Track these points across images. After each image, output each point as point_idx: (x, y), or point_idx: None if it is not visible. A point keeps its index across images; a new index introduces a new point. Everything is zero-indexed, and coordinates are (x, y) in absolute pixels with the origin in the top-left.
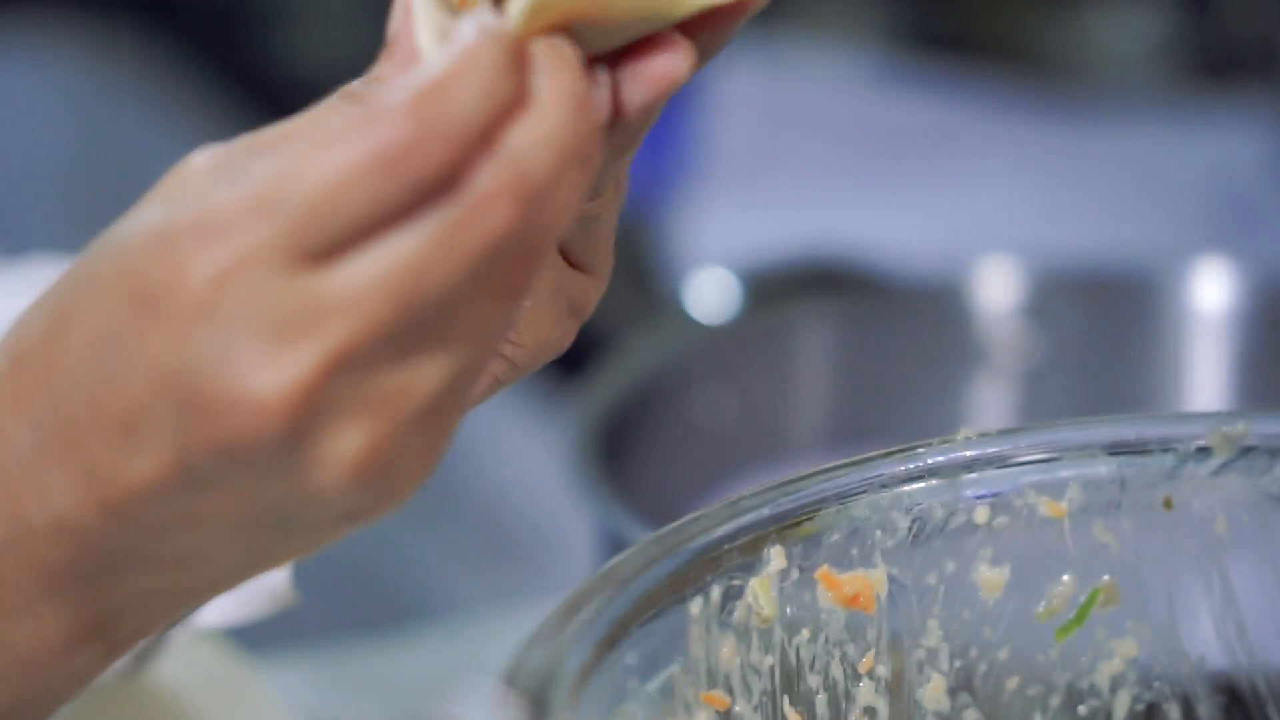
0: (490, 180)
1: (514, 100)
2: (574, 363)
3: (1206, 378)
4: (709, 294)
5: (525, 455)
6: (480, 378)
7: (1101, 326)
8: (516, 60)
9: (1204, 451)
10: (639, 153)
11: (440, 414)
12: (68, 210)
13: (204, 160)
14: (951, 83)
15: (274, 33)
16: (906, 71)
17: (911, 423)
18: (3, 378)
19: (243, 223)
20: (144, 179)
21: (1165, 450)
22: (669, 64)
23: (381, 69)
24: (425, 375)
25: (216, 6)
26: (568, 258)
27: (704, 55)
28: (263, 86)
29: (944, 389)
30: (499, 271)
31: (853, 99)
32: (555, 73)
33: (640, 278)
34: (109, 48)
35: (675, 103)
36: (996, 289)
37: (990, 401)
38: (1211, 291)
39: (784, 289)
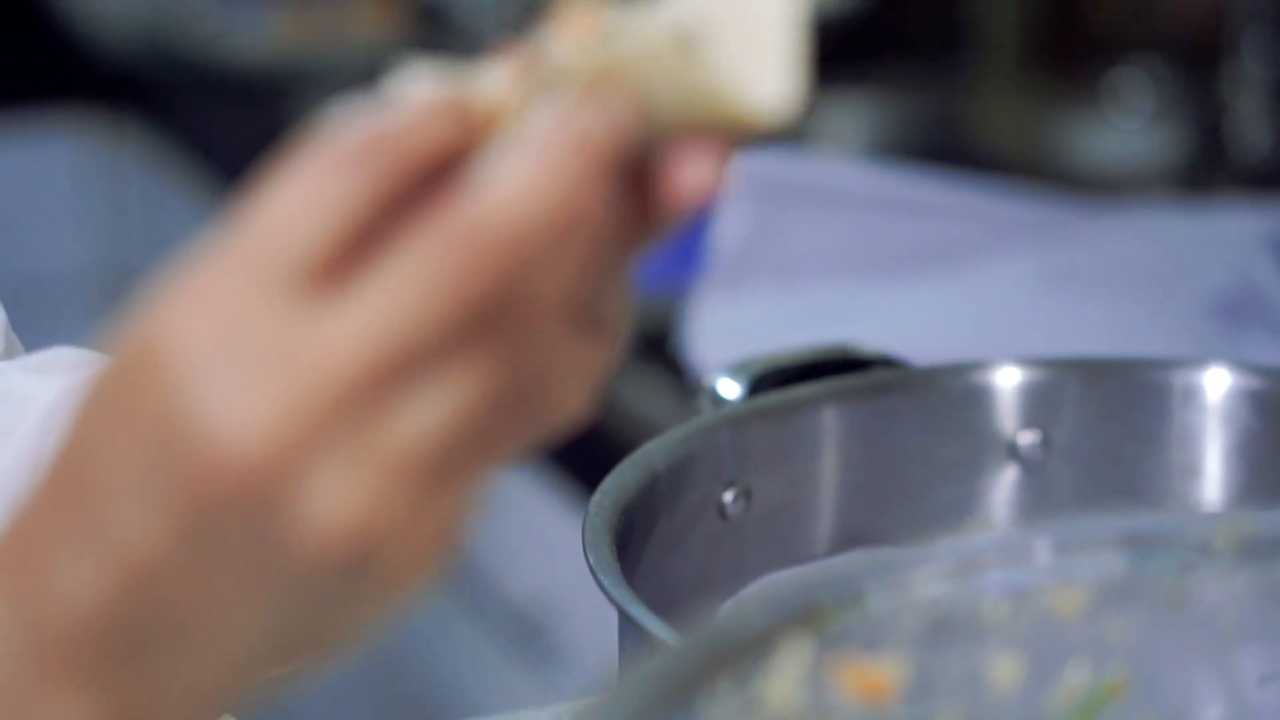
0: (465, 223)
1: (470, 137)
2: (593, 457)
3: (1214, 474)
4: (723, 388)
5: (544, 551)
6: (479, 442)
7: (1112, 422)
8: (463, 112)
9: (1213, 547)
10: (669, 252)
11: (436, 476)
12: (85, 304)
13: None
14: (959, 188)
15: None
16: (915, 180)
17: (923, 516)
18: (39, 482)
19: (220, 264)
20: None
21: (1175, 545)
22: (708, 176)
23: None
24: (411, 427)
25: (220, 103)
26: (585, 318)
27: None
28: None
29: (956, 483)
30: (484, 322)
31: (863, 193)
32: (544, 123)
33: (658, 374)
34: (118, 142)
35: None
36: (1007, 383)
37: (1002, 497)
38: (1219, 387)
39: (797, 382)
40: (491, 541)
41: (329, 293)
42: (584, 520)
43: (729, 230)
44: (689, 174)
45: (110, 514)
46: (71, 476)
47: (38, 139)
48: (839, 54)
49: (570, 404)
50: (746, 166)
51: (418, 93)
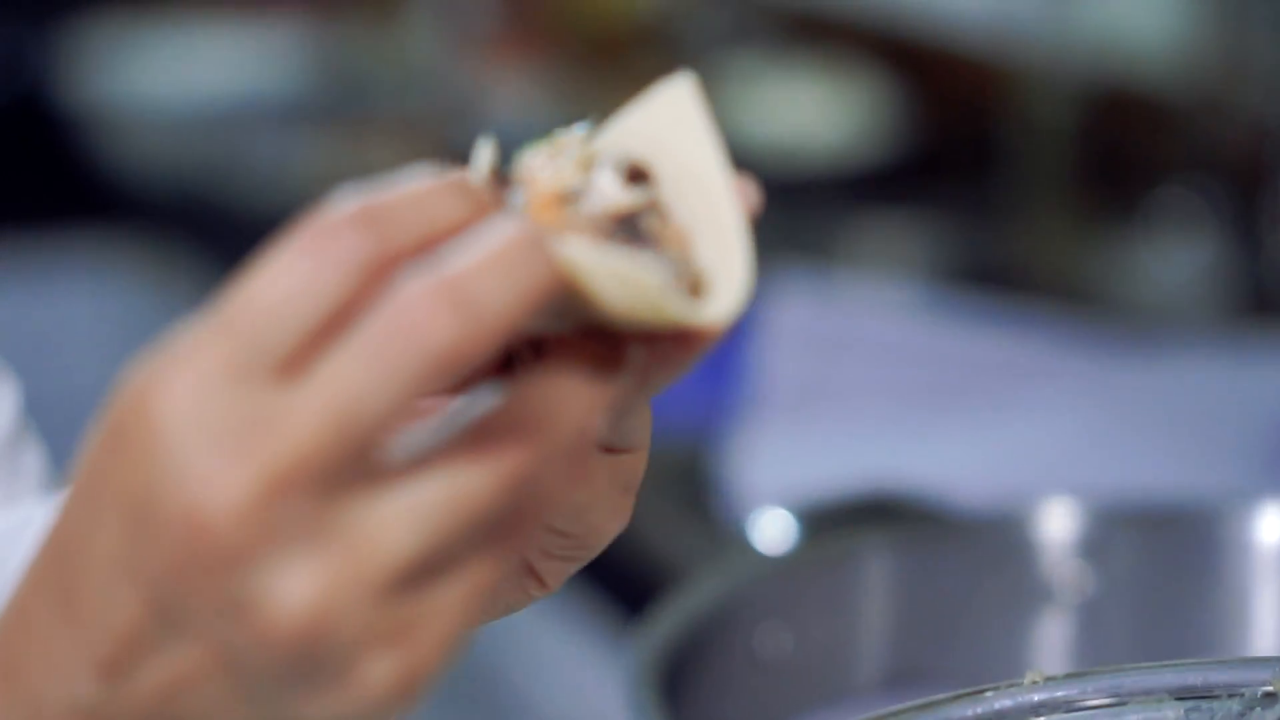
0: (417, 288)
1: (457, 220)
2: (637, 597)
3: (1269, 618)
4: (769, 528)
5: (588, 691)
6: (462, 554)
7: (1162, 564)
8: (469, 193)
9: (1270, 697)
10: (698, 388)
11: (408, 580)
12: None
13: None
14: (1004, 315)
15: None
16: (960, 304)
17: (972, 660)
18: (33, 567)
19: (199, 342)
20: None
21: (1231, 695)
22: (688, 358)
23: None
24: (381, 520)
25: (246, 233)
26: (610, 446)
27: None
28: None
29: (1004, 626)
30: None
31: (907, 331)
32: (507, 211)
33: (701, 511)
34: (165, 268)
35: (737, 336)
36: (1055, 525)
37: (1051, 640)
38: (1273, 529)
39: (843, 524)
40: (518, 672)
41: (302, 372)
42: (625, 663)
43: (780, 369)
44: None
45: (92, 594)
46: (58, 555)
47: (67, 265)
48: (887, 179)
49: (613, 515)
50: (797, 312)
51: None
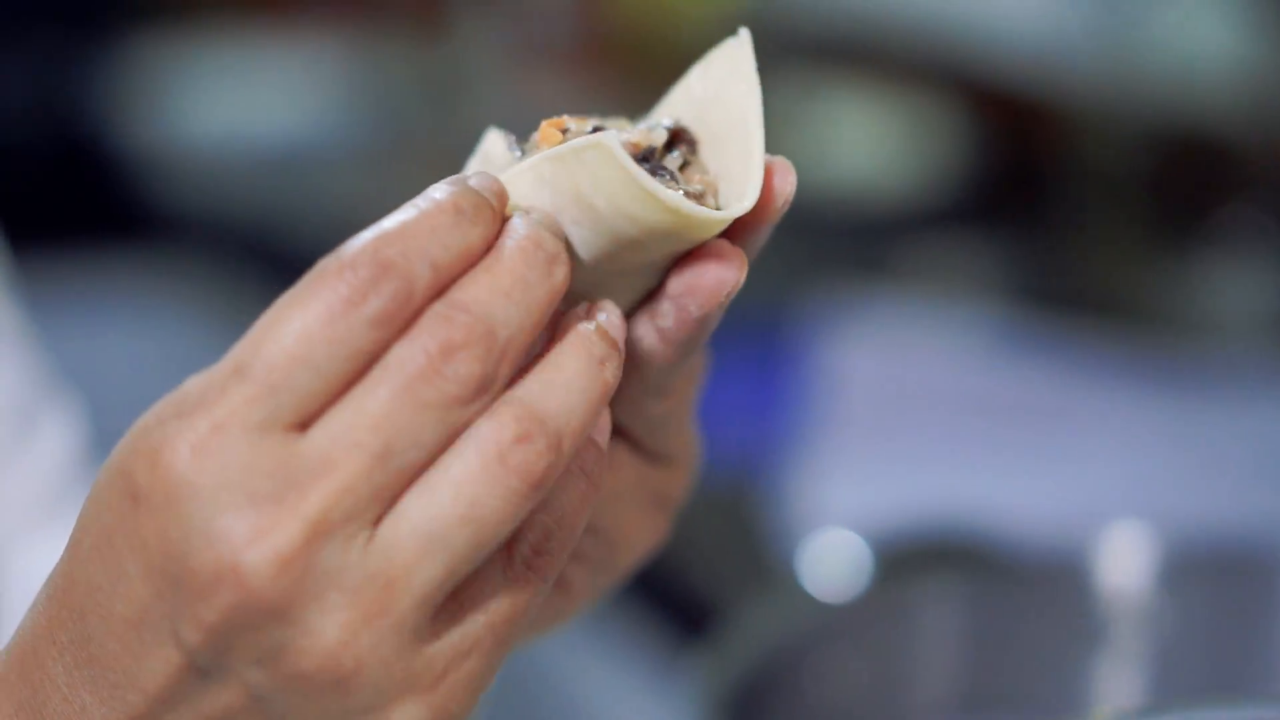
0: (445, 333)
1: (470, 250)
2: (687, 628)
3: None
4: (832, 559)
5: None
6: (491, 589)
7: (1230, 600)
8: (478, 214)
9: None
10: (746, 418)
11: (434, 616)
12: None
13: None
14: (1072, 346)
15: None
16: (1027, 334)
17: (1038, 701)
18: (39, 612)
19: (216, 394)
20: None
21: None
22: (720, 274)
23: None
24: (405, 548)
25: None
26: (646, 451)
27: (751, 256)
28: None
29: (1071, 665)
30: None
31: (974, 361)
32: (520, 228)
33: (751, 542)
34: (220, 303)
35: (784, 365)
36: (1122, 562)
37: (1117, 676)
38: None
39: (910, 563)
40: (568, 701)
41: (322, 421)
42: (689, 695)
43: (849, 394)
44: (709, 274)
45: (121, 651)
46: (73, 612)
47: (120, 299)
48: (954, 204)
49: (650, 531)
50: (865, 339)
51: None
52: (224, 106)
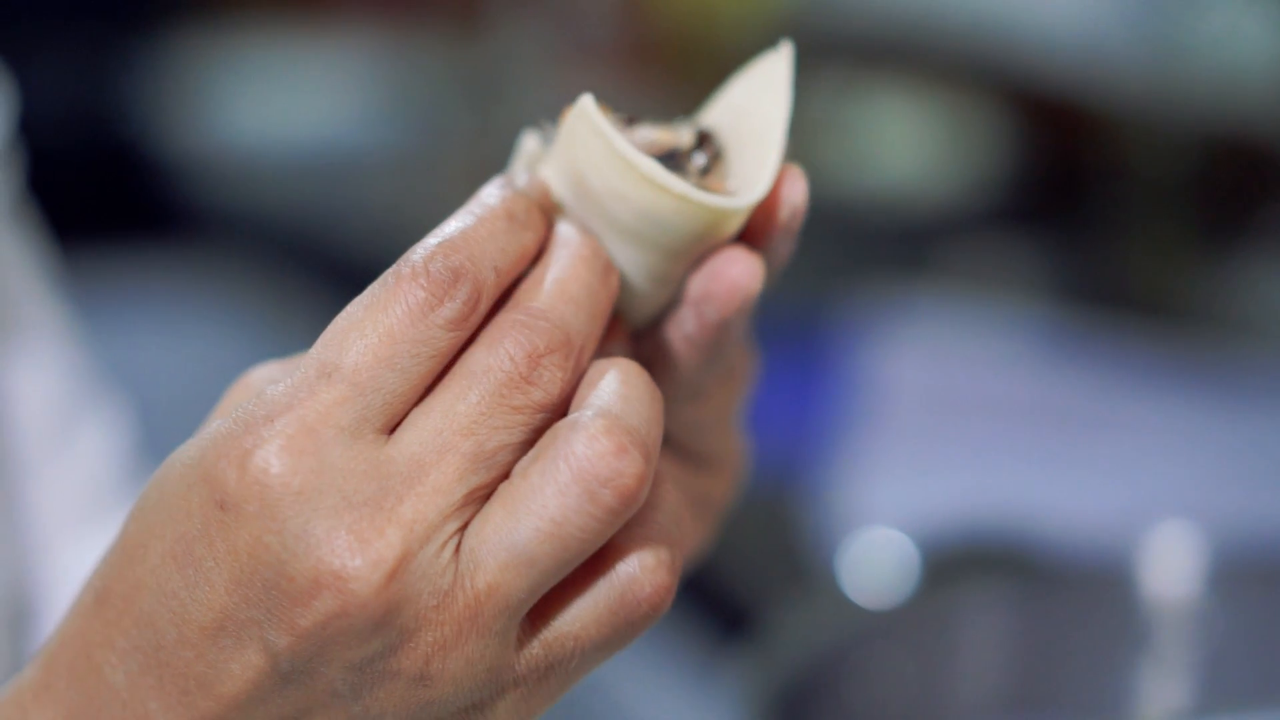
0: (528, 339)
1: (525, 253)
2: (728, 631)
3: None
4: (875, 561)
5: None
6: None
7: (1277, 604)
8: (529, 218)
9: None
10: (789, 420)
11: (533, 612)
12: None
13: (262, 372)
14: (1116, 348)
15: None
16: (1071, 336)
17: (1084, 706)
18: (90, 617)
19: (305, 396)
20: None
21: None
22: (735, 278)
23: None
24: (498, 561)
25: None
26: (686, 455)
27: (772, 265)
28: None
29: (1116, 670)
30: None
31: (1018, 363)
32: (573, 234)
33: (793, 544)
34: (282, 307)
35: (827, 367)
36: (1168, 566)
37: (1163, 681)
38: None
39: (954, 567)
40: (605, 700)
41: (409, 423)
42: (736, 696)
43: (895, 395)
44: (727, 278)
45: (196, 658)
46: (138, 619)
47: (158, 300)
48: (1010, 203)
49: (693, 534)
50: (912, 342)
51: (485, 193)
52: (263, 108)
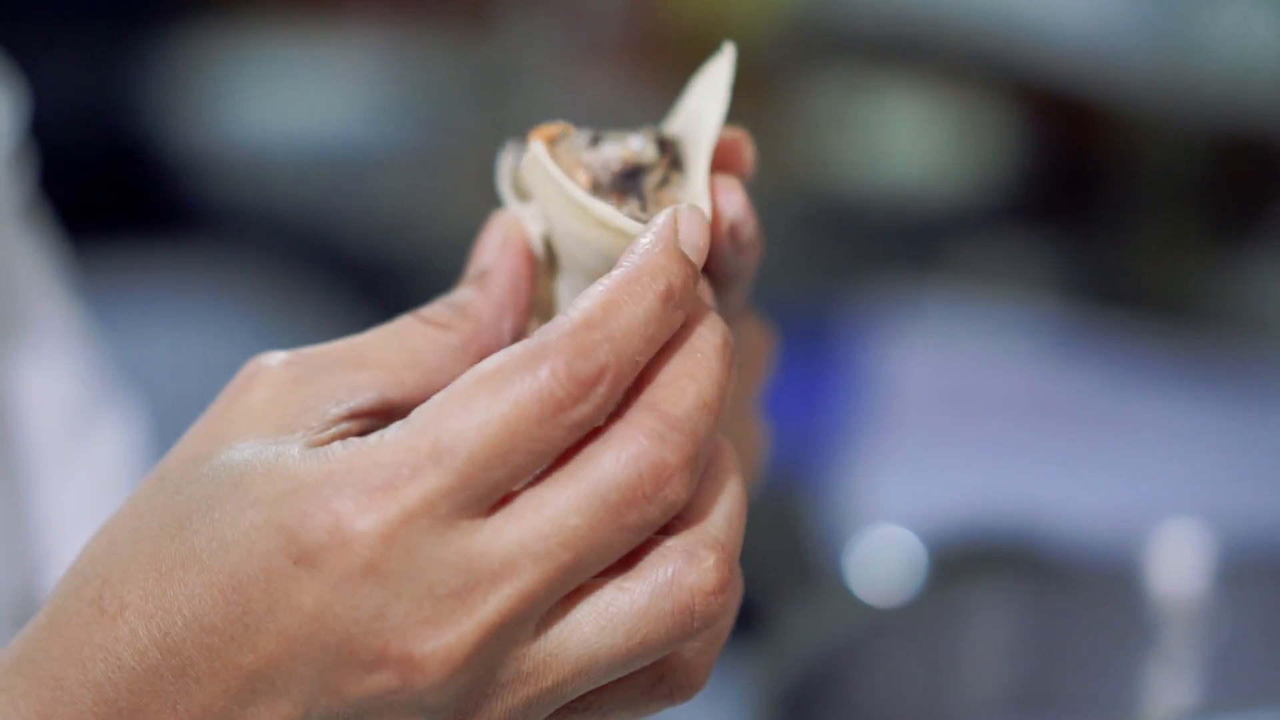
0: (660, 454)
1: (674, 331)
2: (732, 628)
3: None
4: (883, 558)
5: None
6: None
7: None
8: (685, 299)
9: None
10: (798, 417)
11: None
12: None
13: (279, 369)
14: (1125, 346)
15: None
16: (1080, 333)
17: (1092, 705)
18: (88, 624)
19: (408, 477)
20: None
21: None
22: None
23: (468, 298)
24: (576, 668)
25: (393, 271)
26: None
27: (734, 276)
28: None
29: (1124, 668)
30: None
31: (1026, 360)
32: (715, 322)
33: (800, 541)
34: (291, 305)
35: (835, 364)
36: (1176, 564)
37: (1171, 679)
38: None
39: (962, 565)
40: None
41: (508, 510)
42: (747, 695)
43: (905, 391)
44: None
45: (219, 689)
46: (169, 645)
47: (166, 297)
48: (1019, 200)
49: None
50: (921, 339)
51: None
52: (273, 105)
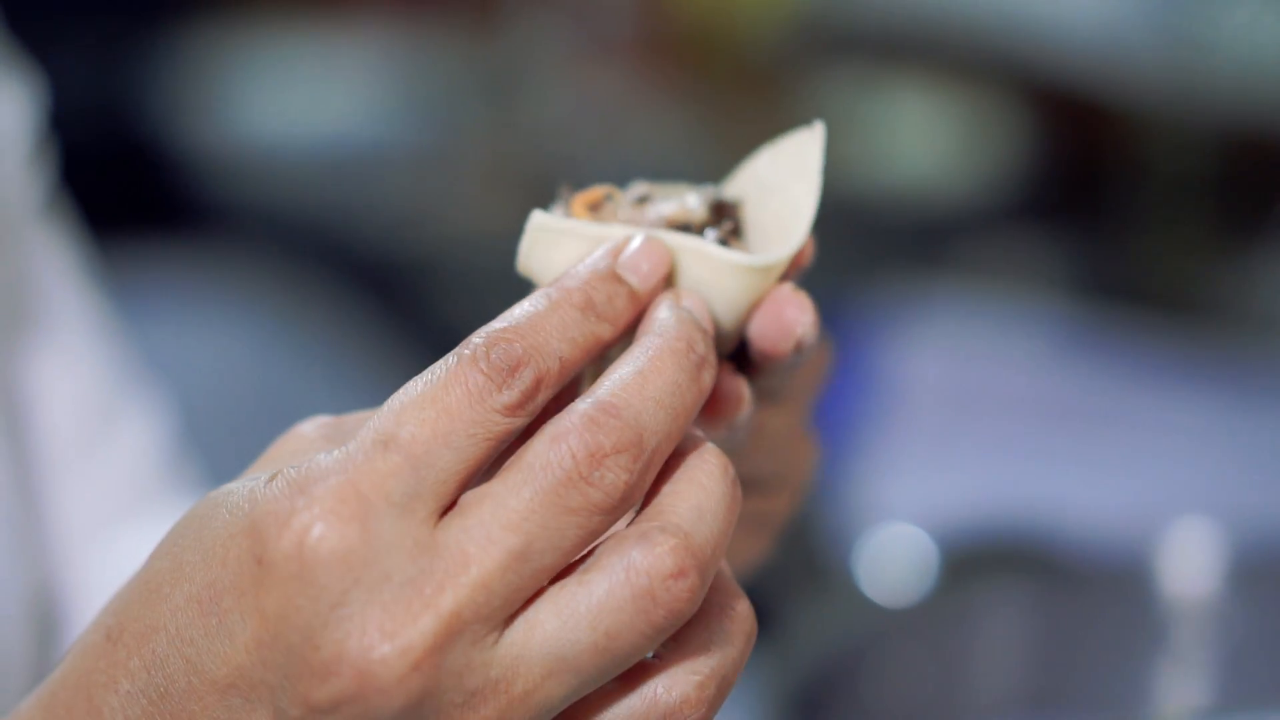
0: (593, 437)
1: (599, 340)
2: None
3: None
4: (894, 556)
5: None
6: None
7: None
8: (609, 306)
9: None
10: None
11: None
12: (259, 441)
13: (311, 428)
14: (1135, 344)
15: (452, 300)
16: (1090, 332)
17: (1103, 703)
18: (96, 655)
19: (360, 462)
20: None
21: None
22: (792, 318)
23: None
24: (533, 668)
25: (401, 270)
26: (747, 482)
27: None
28: (437, 347)
29: (1135, 667)
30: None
31: (1036, 359)
32: (671, 325)
33: (810, 540)
34: (299, 303)
35: (845, 363)
36: (1187, 563)
37: (1182, 678)
38: None
39: (972, 564)
40: None
41: (460, 509)
42: (759, 693)
43: (916, 390)
44: (783, 319)
45: (198, 707)
46: (154, 659)
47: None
48: (1029, 199)
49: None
50: (931, 337)
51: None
52: (282, 103)
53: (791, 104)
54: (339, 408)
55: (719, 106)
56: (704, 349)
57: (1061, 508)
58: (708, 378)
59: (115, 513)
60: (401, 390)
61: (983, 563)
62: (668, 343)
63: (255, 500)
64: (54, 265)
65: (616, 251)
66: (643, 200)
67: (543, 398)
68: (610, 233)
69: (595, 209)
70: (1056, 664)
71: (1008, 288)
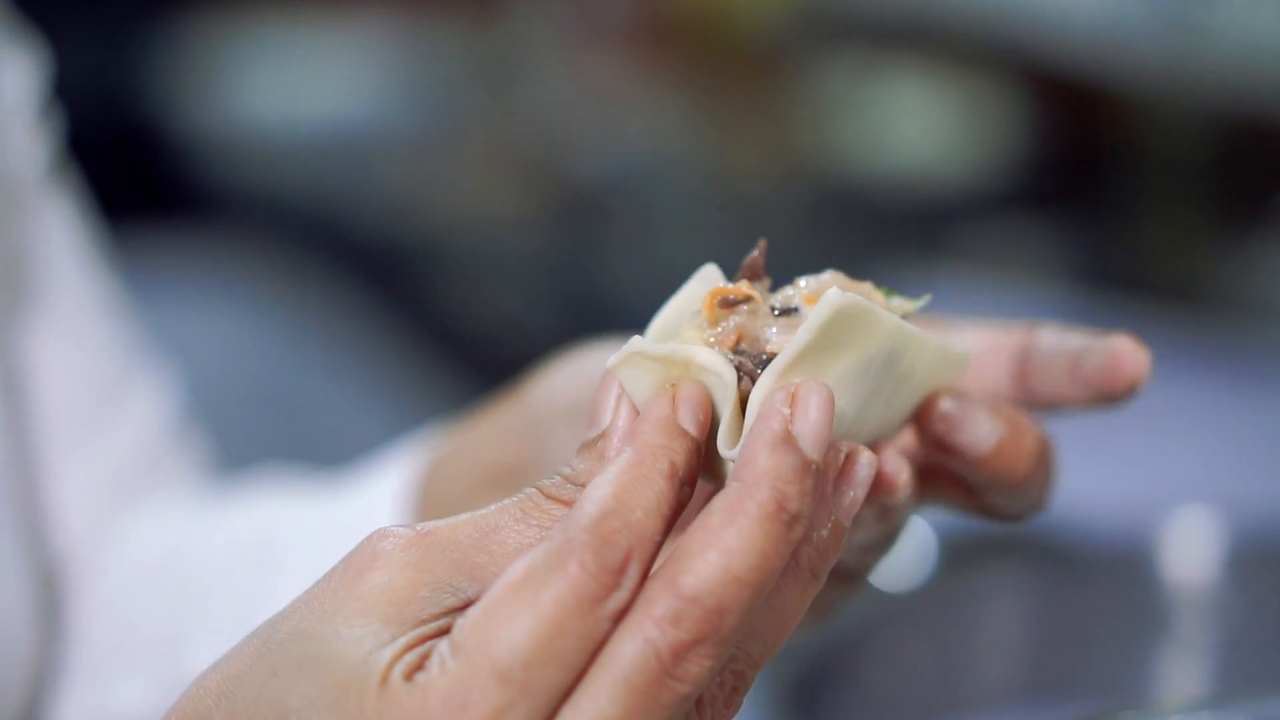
0: (675, 631)
1: (683, 503)
2: None
3: None
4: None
5: None
6: None
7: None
8: (691, 467)
9: None
10: None
11: None
12: (257, 425)
13: (392, 547)
14: (1137, 330)
15: (449, 285)
16: (1088, 318)
17: (1104, 690)
18: None
19: (480, 698)
20: (318, 404)
21: None
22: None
23: (589, 470)
24: None
25: (399, 255)
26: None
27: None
28: (434, 333)
29: (1136, 654)
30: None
31: None
32: (764, 485)
33: None
34: (298, 288)
35: None
36: (1188, 550)
37: (1183, 665)
38: None
39: (973, 551)
40: None
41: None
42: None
43: None
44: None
45: None
46: None
47: (178, 276)
48: (1027, 185)
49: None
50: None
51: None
52: (281, 89)
53: (791, 91)
54: (338, 390)
55: (717, 93)
56: (797, 505)
57: (1063, 494)
58: (797, 532)
59: (120, 490)
60: (498, 593)
61: (983, 549)
62: (757, 505)
63: (365, 677)
64: (59, 238)
65: (673, 404)
66: (784, 313)
67: (639, 583)
68: (692, 360)
69: (728, 307)
70: (1056, 650)
71: (1006, 273)
